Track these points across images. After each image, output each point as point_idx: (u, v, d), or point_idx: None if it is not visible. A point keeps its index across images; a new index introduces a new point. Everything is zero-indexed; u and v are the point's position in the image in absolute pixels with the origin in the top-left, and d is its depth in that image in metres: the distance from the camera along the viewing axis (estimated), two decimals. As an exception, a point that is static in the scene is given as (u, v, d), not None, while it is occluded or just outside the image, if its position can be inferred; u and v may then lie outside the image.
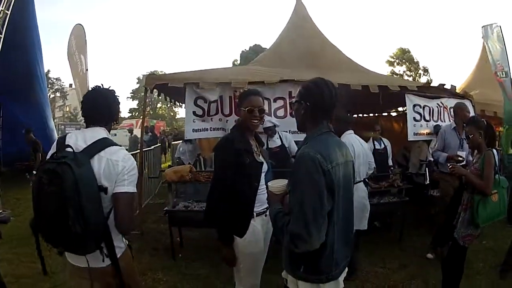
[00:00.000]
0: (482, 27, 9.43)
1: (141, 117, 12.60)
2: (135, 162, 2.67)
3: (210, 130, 6.93)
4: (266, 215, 3.30)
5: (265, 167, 3.32)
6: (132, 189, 2.51)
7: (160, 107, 66.25)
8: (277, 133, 6.61)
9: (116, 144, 2.59)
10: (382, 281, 5.29)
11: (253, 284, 3.34)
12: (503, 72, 8.63)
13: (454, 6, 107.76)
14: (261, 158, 3.32)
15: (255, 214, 3.22)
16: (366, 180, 5.61)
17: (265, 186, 3.10)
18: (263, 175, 3.29)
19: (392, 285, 5.20)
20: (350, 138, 5.23)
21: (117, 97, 2.79)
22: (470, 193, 4.21)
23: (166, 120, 61.45)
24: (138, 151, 8.85)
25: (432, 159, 7.93)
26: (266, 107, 6.46)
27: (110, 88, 2.76)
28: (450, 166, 4.53)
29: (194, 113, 6.64)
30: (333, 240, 2.24)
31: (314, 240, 2.09)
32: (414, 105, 7.75)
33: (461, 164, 5.38)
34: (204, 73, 7.25)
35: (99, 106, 2.65)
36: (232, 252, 3.17)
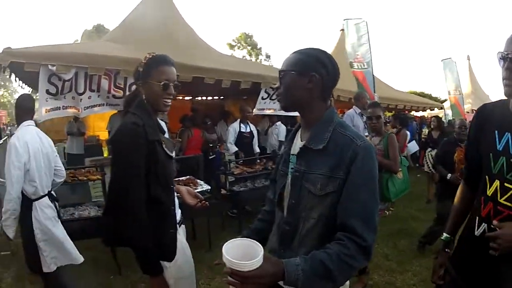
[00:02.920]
0: (344, 20, 10.24)
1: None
2: None
3: (63, 109, 6.18)
4: (183, 223, 2.68)
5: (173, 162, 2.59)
6: None
7: (1, 94, 57.83)
8: None
9: None
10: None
11: None
12: (364, 64, 9.48)
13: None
14: (168, 151, 2.47)
15: (177, 225, 2.48)
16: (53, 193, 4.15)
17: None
18: None
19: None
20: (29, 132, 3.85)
21: None
22: None
23: (7, 109, 55.01)
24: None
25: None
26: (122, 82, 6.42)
27: None
28: None
29: (47, 91, 5.84)
30: None
31: None
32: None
33: None
34: (60, 48, 6.43)
35: None
36: (162, 281, 2.31)
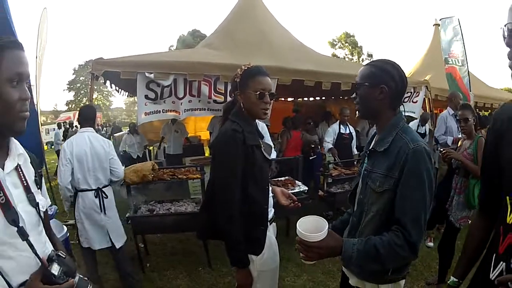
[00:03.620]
0: (440, 19, 10.16)
1: (78, 109, 11.62)
2: None
3: (163, 112, 6.49)
4: (274, 221, 2.87)
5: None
6: None
7: (95, 97, 62.21)
8: None
9: None
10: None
11: None
12: (459, 60, 9.20)
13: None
14: (266, 154, 2.72)
15: (268, 223, 2.68)
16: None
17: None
18: None
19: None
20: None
21: None
22: (463, 177, 4.44)
23: (102, 111, 59.09)
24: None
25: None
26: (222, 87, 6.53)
27: None
28: (444, 151, 4.59)
29: (146, 96, 6.13)
30: None
31: None
32: None
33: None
34: (156, 56, 6.75)
35: None
36: (248, 273, 2.56)
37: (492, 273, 1.56)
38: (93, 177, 4.54)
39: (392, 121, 2.06)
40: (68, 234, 4.43)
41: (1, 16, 5.21)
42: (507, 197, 1.51)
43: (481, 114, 13.85)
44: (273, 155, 6.36)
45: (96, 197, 4.54)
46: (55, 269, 1.42)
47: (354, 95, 2.17)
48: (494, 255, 1.57)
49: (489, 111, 13.78)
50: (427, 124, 8.70)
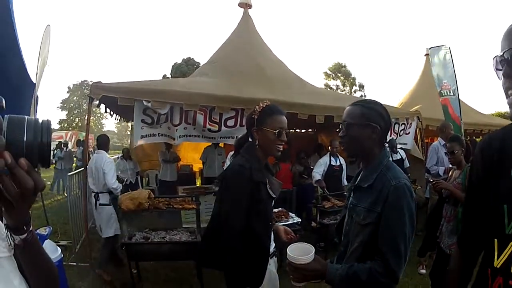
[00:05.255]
0: (429, 48, 10.23)
1: (70, 129, 11.52)
2: None
3: (158, 136, 6.60)
4: (275, 255, 2.97)
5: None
6: None
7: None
8: None
9: None
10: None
11: None
12: (450, 91, 9.19)
13: (394, 28, 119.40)
14: (271, 192, 2.76)
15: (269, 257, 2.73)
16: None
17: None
18: None
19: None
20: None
21: None
22: (453, 205, 4.54)
23: (95, 133, 59.37)
24: (80, 169, 8.32)
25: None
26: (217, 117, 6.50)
27: None
28: (434, 182, 4.75)
29: (142, 121, 6.21)
30: None
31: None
32: None
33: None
34: (153, 84, 6.84)
35: None
36: None
37: None
38: (95, 184, 6.20)
39: (377, 159, 2.16)
40: (62, 255, 4.37)
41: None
42: (495, 239, 1.37)
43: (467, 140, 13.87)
44: None
45: (94, 197, 6.23)
46: None
47: (342, 133, 2.23)
48: None
49: (480, 137, 13.58)
50: (400, 150, 8.67)
